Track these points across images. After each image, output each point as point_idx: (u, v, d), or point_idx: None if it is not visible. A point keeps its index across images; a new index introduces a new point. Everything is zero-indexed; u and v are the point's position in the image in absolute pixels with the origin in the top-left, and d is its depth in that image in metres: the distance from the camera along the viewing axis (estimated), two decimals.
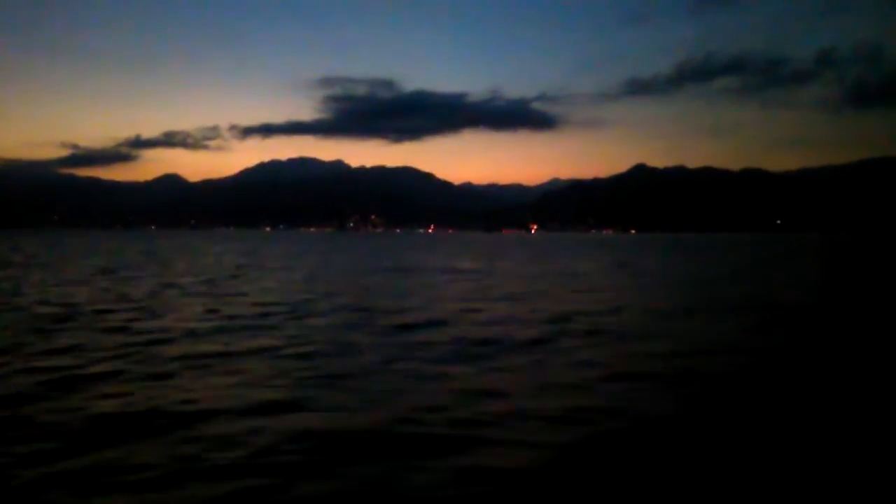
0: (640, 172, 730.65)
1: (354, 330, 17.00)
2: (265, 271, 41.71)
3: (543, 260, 61.68)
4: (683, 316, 20.11)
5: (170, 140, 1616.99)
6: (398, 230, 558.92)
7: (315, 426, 8.77)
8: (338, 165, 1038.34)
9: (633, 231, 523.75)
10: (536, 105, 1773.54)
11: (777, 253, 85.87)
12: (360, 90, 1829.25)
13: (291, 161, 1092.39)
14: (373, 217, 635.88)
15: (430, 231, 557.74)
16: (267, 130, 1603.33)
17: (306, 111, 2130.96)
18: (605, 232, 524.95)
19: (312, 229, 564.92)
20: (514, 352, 13.95)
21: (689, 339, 15.68)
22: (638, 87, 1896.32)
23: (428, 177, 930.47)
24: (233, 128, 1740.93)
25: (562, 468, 7.36)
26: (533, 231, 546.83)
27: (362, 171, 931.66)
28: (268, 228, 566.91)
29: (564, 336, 15.87)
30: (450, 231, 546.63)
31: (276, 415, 9.33)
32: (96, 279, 34.15)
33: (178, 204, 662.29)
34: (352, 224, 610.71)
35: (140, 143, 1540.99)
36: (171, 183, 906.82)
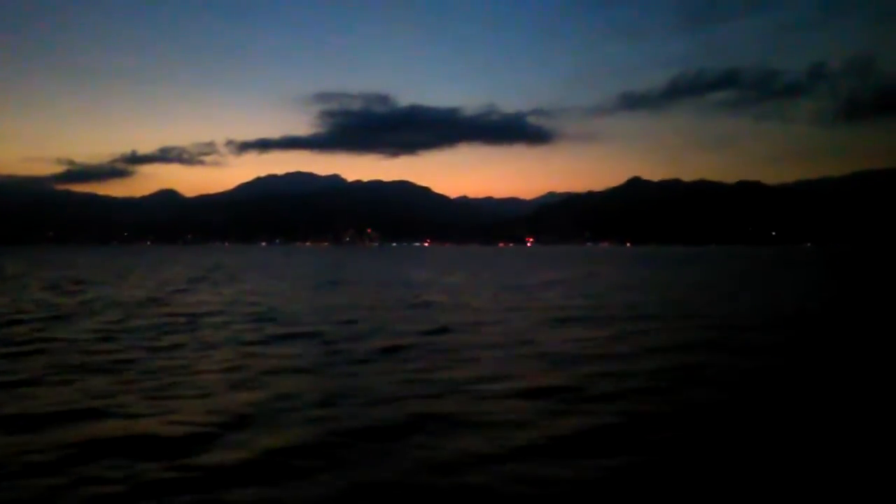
0: (635, 185, 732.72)
1: (229, 343, 17.73)
2: (214, 284, 42.63)
3: (506, 272, 62.38)
4: (557, 325, 21.12)
5: (166, 155, 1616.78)
6: (394, 244, 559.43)
7: (88, 431, 9.59)
8: (334, 180, 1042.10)
9: (629, 244, 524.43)
10: (531, 119, 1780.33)
11: (758, 264, 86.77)
12: (356, 105, 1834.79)
13: (288, 176, 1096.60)
14: (369, 231, 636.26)
15: (426, 245, 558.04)
16: (263, 145, 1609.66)
17: (302, 126, 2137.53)
18: (601, 244, 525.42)
19: (308, 244, 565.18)
20: (353, 362, 14.82)
21: (532, 347, 16.64)
22: (632, 101, 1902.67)
23: (424, 191, 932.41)
24: (229, 143, 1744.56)
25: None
26: (529, 244, 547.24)
27: (358, 186, 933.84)
28: (264, 243, 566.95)
29: (419, 347, 16.75)
30: (446, 245, 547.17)
31: (71, 422, 10.12)
32: (40, 292, 35.14)
33: (175, 219, 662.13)
34: (348, 238, 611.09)
35: (136, 159, 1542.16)
36: (168, 198, 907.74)
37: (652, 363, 14.47)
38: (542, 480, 7.55)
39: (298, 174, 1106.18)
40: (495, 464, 8.03)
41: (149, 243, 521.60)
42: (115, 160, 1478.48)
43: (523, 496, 7.17)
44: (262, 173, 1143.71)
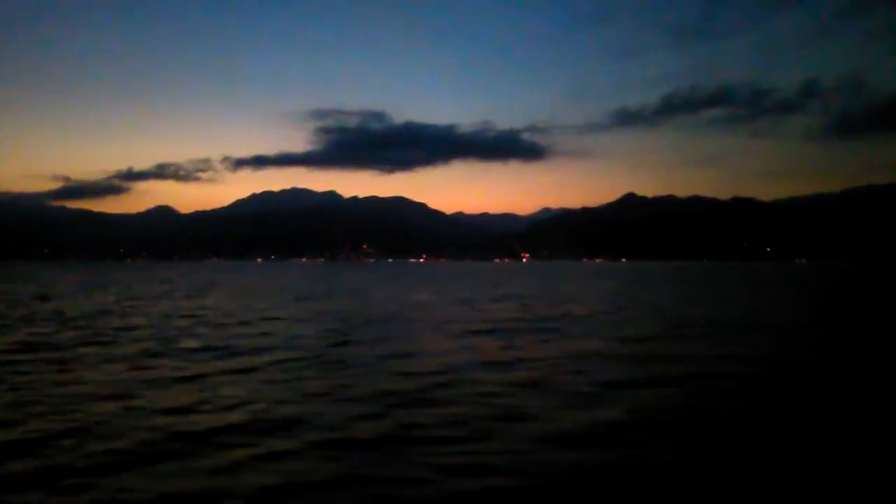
0: (630, 201, 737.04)
1: (134, 356, 18.51)
2: (173, 299, 43.45)
3: (473, 288, 63.06)
4: (464, 337, 22.06)
5: (162, 172, 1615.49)
6: (391, 260, 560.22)
7: None
8: (330, 196, 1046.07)
9: (623, 260, 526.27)
10: (526, 136, 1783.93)
11: (734, 279, 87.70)
12: (352, 122, 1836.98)
13: (284, 192, 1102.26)
14: (365, 247, 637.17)
15: (421, 260, 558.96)
16: (259, 162, 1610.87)
17: (298, 142, 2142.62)
18: (596, 260, 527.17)
19: (305, 260, 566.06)
20: (235, 372, 15.72)
21: (414, 359, 17.59)
22: (626, 118, 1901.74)
23: (420, 207, 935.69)
24: (225, 159, 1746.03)
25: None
26: (524, 260, 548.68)
27: (355, 202, 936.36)
28: (260, 259, 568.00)
29: (310, 359, 17.67)
30: (442, 261, 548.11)
31: None
32: None
33: (170, 235, 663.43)
34: (344, 254, 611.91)
35: (132, 176, 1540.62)
36: (163, 215, 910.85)
37: (513, 373, 15.38)
38: (305, 472, 8.49)
39: (294, 190, 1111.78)
40: (278, 461, 8.96)
41: (143, 260, 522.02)
42: (111, 177, 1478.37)
43: (275, 487, 8.09)
44: (259, 190, 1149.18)
